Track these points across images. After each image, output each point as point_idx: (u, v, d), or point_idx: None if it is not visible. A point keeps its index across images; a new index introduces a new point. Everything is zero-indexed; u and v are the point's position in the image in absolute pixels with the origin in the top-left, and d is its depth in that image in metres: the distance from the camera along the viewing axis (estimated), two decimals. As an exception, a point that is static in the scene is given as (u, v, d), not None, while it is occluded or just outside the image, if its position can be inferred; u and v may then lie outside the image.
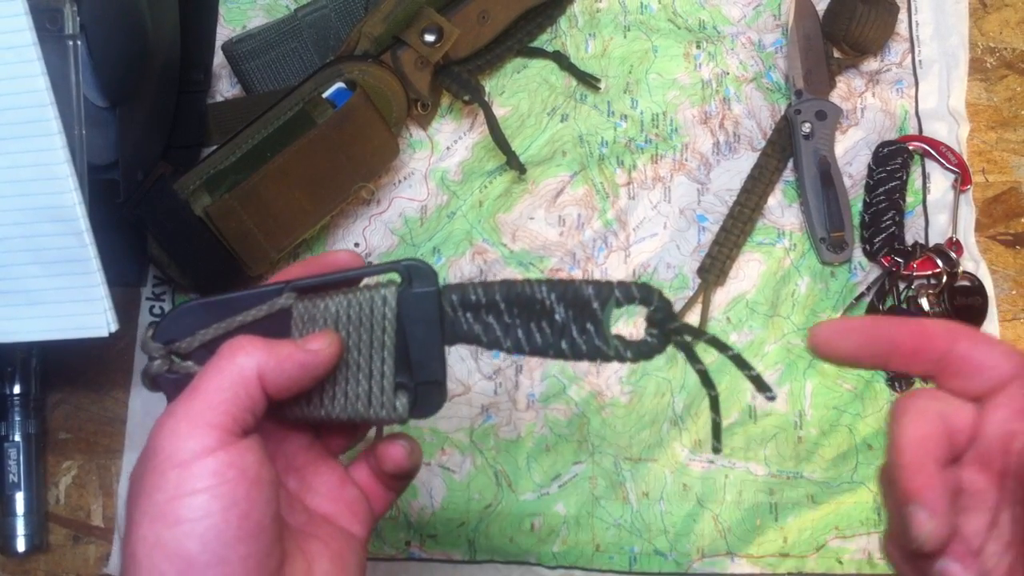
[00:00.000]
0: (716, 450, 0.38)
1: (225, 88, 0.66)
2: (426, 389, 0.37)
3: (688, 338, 0.36)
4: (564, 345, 0.36)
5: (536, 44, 0.66)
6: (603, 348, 0.35)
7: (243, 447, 0.33)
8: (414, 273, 0.37)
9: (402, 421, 0.37)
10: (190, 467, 0.32)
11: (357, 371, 0.37)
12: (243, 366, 0.34)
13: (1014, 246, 0.64)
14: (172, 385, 0.38)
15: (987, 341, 0.34)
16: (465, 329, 0.37)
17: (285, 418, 0.39)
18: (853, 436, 0.60)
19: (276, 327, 0.38)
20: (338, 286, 0.39)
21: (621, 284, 0.35)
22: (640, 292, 0.35)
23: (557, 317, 0.36)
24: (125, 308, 0.61)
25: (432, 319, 0.37)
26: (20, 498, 0.59)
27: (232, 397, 0.34)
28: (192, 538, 0.31)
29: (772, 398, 0.36)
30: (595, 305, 0.35)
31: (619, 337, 0.36)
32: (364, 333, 0.37)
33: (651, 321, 0.36)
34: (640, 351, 0.36)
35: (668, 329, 0.36)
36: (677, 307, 0.62)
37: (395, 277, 0.38)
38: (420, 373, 0.37)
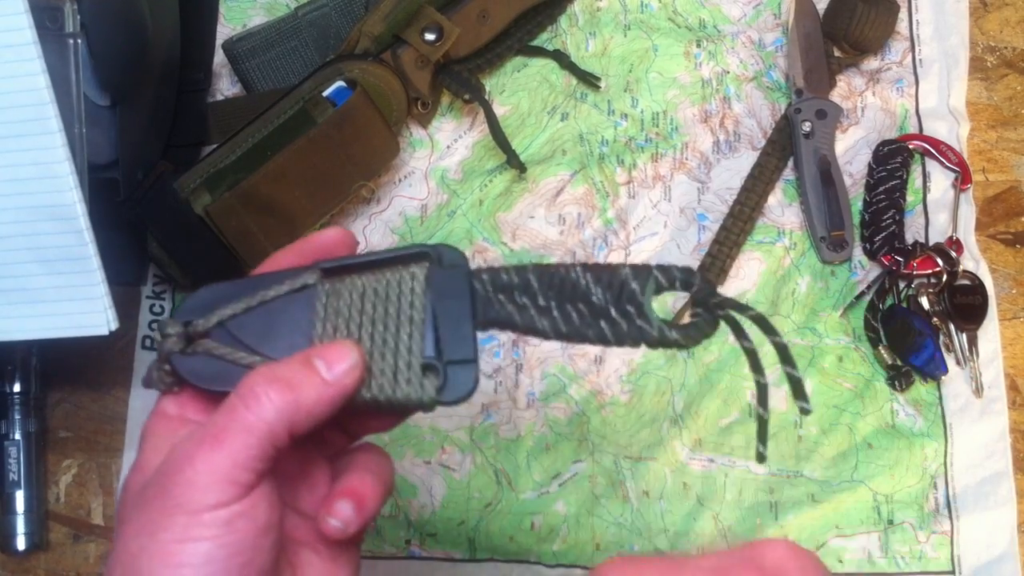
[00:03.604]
0: (761, 458, 0.35)
1: (225, 87, 0.66)
2: (456, 370, 0.34)
3: (734, 313, 0.34)
4: (605, 327, 0.34)
5: (536, 43, 0.66)
6: (647, 329, 0.34)
7: (257, 496, 0.32)
8: (443, 254, 0.35)
9: (430, 404, 0.34)
10: (200, 516, 0.31)
11: (383, 346, 0.35)
12: (269, 420, 0.32)
13: (1014, 245, 0.64)
14: (190, 368, 0.35)
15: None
16: (497, 310, 0.35)
17: None
18: (853, 435, 0.60)
19: (300, 306, 0.36)
20: (364, 268, 0.37)
21: (660, 266, 0.34)
22: (681, 274, 0.34)
23: (595, 299, 0.34)
24: (125, 307, 0.61)
25: (463, 298, 0.35)
26: (20, 496, 0.59)
27: (258, 453, 0.32)
28: None
29: (807, 411, 0.34)
30: (634, 286, 0.34)
31: (664, 320, 0.34)
32: (391, 308, 0.35)
33: (695, 302, 0.34)
34: (689, 334, 0.34)
35: (713, 305, 0.34)
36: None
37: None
38: (450, 352, 0.34)
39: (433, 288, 0.35)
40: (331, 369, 0.34)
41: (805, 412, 0.34)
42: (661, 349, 0.35)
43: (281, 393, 0.32)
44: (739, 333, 0.35)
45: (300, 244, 0.38)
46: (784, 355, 0.34)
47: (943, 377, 0.60)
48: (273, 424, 0.32)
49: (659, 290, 0.34)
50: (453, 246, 0.36)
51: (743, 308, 0.34)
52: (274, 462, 0.33)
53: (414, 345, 0.34)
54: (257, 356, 0.35)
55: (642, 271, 0.34)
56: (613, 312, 0.34)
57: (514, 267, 0.35)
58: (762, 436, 0.36)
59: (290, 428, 0.33)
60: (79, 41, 0.50)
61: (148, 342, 0.62)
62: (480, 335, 0.37)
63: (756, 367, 0.35)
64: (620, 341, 0.34)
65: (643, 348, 0.34)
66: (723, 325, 0.35)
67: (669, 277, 0.34)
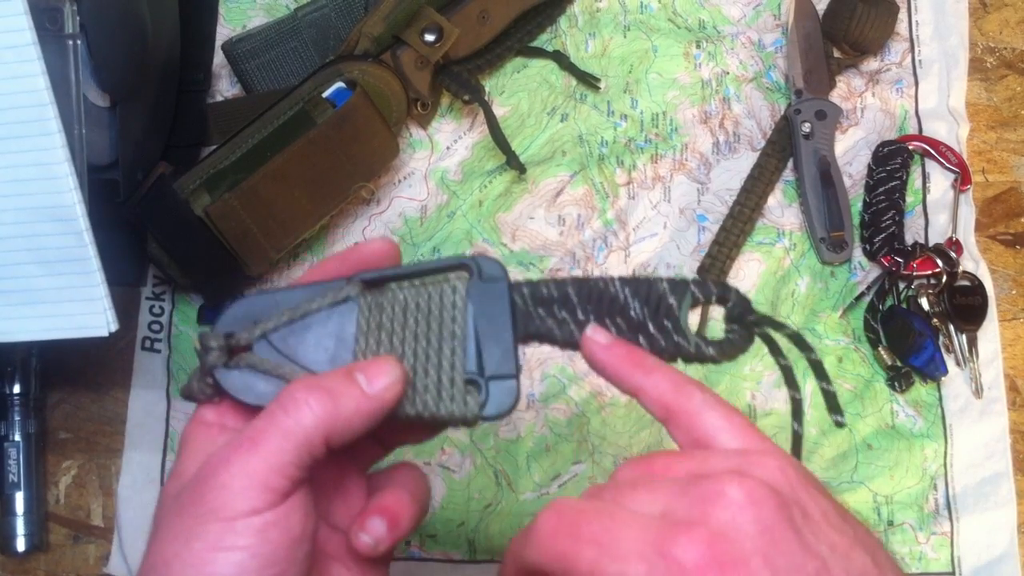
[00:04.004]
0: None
1: (225, 88, 0.66)
2: (498, 385, 0.34)
3: (769, 330, 0.34)
4: (642, 341, 0.34)
5: (536, 44, 0.66)
6: (683, 344, 0.34)
7: (291, 505, 0.32)
8: (483, 266, 0.35)
9: (473, 419, 0.34)
10: (234, 524, 0.31)
11: (426, 361, 0.35)
12: (307, 427, 0.32)
13: (1014, 246, 0.64)
14: (233, 381, 0.35)
15: (717, 412, 0.32)
16: (538, 324, 0.35)
17: None
18: (853, 436, 0.60)
19: (342, 318, 0.36)
20: (400, 272, 0.37)
21: (696, 281, 0.34)
22: (718, 289, 0.34)
23: (632, 313, 0.34)
24: (125, 308, 0.61)
25: (503, 311, 0.35)
26: (20, 498, 0.59)
27: (294, 459, 0.32)
28: None
29: (842, 424, 0.35)
30: (671, 300, 0.34)
31: (700, 335, 0.34)
32: (434, 323, 0.35)
33: (731, 317, 0.35)
34: (724, 349, 0.34)
35: (749, 323, 0.34)
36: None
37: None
38: (491, 366, 0.34)
39: (473, 301, 0.35)
40: (372, 383, 0.33)
41: (840, 425, 0.35)
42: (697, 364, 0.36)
43: (321, 401, 0.32)
44: (774, 350, 0.35)
45: (345, 253, 0.38)
46: (819, 372, 0.35)
47: (943, 378, 0.60)
48: (311, 431, 0.32)
49: (695, 304, 0.34)
50: (493, 259, 0.35)
51: (779, 325, 0.35)
52: (310, 471, 0.32)
53: (456, 360, 0.34)
54: (300, 368, 0.35)
55: (679, 285, 0.34)
56: (651, 326, 0.34)
57: (553, 280, 0.35)
58: (796, 451, 0.36)
59: (327, 437, 0.32)
60: (79, 42, 0.50)
61: (148, 343, 0.62)
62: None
63: (791, 383, 0.36)
64: (657, 355, 0.34)
65: (678, 362, 0.35)
66: (757, 341, 0.35)
67: (706, 292, 0.34)
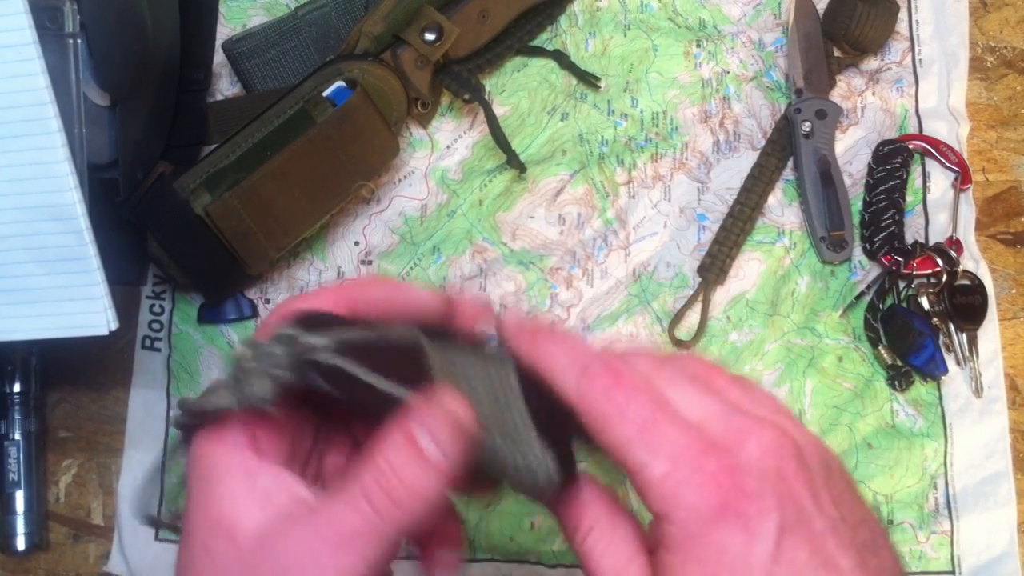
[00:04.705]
0: None
1: (225, 87, 0.66)
2: (562, 458, 0.32)
3: None
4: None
5: (536, 43, 0.66)
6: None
7: None
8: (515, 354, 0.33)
9: (554, 488, 0.31)
10: None
11: (503, 424, 0.32)
12: (408, 523, 0.29)
13: (1014, 245, 0.64)
14: (333, 379, 0.30)
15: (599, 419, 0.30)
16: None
17: None
18: (853, 435, 0.60)
19: (408, 359, 0.32)
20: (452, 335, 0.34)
21: None
22: None
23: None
24: (125, 307, 0.61)
25: (552, 401, 0.32)
26: (20, 496, 0.59)
27: (387, 554, 0.29)
28: None
29: None
30: None
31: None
32: (497, 389, 0.32)
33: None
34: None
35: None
36: (677, 306, 0.62)
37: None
38: (553, 442, 0.32)
39: (523, 384, 0.33)
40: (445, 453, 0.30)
41: None
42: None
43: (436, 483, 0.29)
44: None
45: (397, 291, 0.34)
46: None
47: (943, 377, 0.60)
48: (413, 522, 0.29)
49: None
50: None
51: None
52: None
53: (529, 431, 0.32)
54: (402, 388, 0.31)
55: None
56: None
57: None
58: None
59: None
60: (79, 41, 0.50)
61: (148, 342, 0.62)
62: None
63: None
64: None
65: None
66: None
67: None
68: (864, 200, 0.63)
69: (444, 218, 0.64)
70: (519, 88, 0.66)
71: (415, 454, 0.29)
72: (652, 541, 0.29)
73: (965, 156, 0.64)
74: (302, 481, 0.30)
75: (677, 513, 0.28)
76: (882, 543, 0.30)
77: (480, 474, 0.31)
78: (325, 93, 0.57)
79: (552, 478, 0.31)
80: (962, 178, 0.63)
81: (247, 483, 0.29)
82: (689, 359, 0.33)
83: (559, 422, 0.32)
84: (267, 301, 0.62)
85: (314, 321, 0.31)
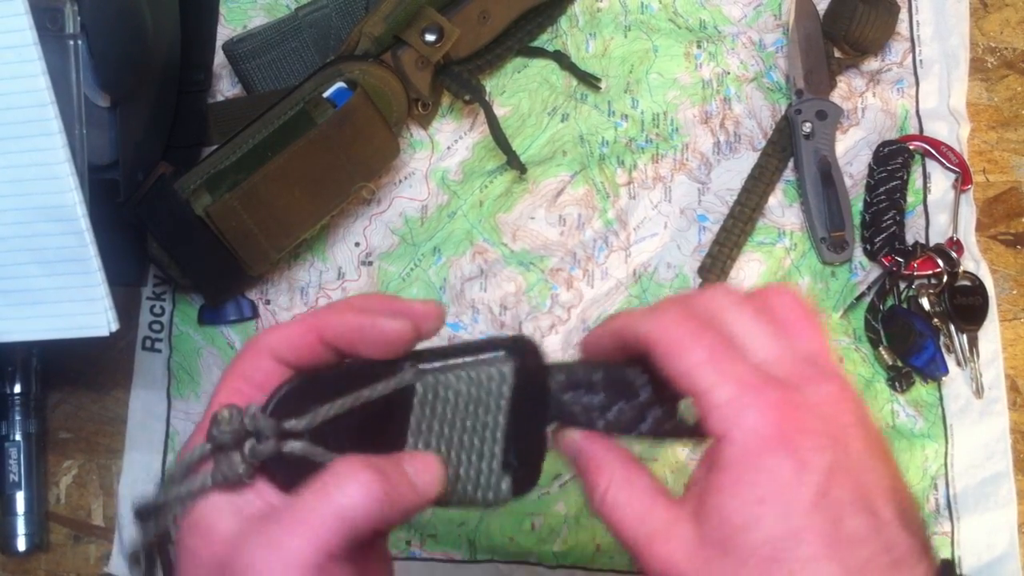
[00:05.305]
0: None
1: (226, 88, 0.66)
2: (526, 470, 0.35)
3: None
4: (647, 424, 0.35)
5: (537, 44, 0.66)
6: (682, 426, 0.35)
7: None
8: (524, 350, 0.35)
9: (503, 503, 0.35)
10: None
11: (470, 450, 0.34)
12: (360, 507, 0.29)
13: (1014, 246, 0.64)
14: (285, 472, 0.32)
15: (665, 355, 0.32)
16: (565, 410, 0.35)
17: None
18: (853, 436, 0.60)
19: (395, 406, 0.34)
20: (452, 354, 0.35)
21: None
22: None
23: (642, 396, 0.35)
24: (125, 308, 0.61)
25: (540, 398, 0.35)
26: (20, 497, 0.59)
27: (343, 542, 0.29)
28: None
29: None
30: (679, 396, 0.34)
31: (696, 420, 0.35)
32: (481, 411, 0.34)
33: None
34: None
35: None
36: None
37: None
38: (525, 454, 0.35)
39: (516, 390, 0.35)
40: (419, 477, 0.32)
41: None
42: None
43: (378, 482, 0.30)
44: None
45: (394, 304, 0.34)
46: None
47: (943, 378, 0.60)
48: (363, 512, 0.30)
49: None
50: (531, 340, 0.35)
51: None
52: (347, 562, 0.30)
53: (497, 449, 0.35)
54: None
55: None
56: (658, 409, 0.35)
57: (583, 365, 0.35)
58: None
59: (377, 522, 0.30)
60: (79, 42, 0.50)
61: (148, 343, 0.62)
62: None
63: None
64: (659, 436, 0.35)
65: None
66: None
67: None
68: (864, 201, 0.63)
69: (444, 219, 0.64)
70: (519, 89, 0.66)
71: (392, 463, 0.31)
72: (707, 463, 0.31)
73: (966, 157, 0.64)
74: (279, 491, 0.32)
75: (736, 434, 0.29)
76: (918, 513, 0.31)
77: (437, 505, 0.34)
78: (325, 94, 0.57)
79: (501, 498, 0.34)
80: (963, 179, 0.63)
81: (227, 495, 0.31)
82: (776, 295, 0.34)
83: (541, 414, 0.35)
84: (267, 302, 0.62)
85: (295, 392, 0.33)
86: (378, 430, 0.34)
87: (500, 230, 0.64)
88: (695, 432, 0.34)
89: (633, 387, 0.35)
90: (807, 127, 0.63)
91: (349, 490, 0.30)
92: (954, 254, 0.61)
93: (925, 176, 0.64)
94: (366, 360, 0.34)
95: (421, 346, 0.35)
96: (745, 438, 0.29)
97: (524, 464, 0.35)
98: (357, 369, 0.34)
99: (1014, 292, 0.63)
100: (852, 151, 0.65)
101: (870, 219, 0.62)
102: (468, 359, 0.35)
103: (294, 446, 0.32)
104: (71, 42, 0.49)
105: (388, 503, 0.30)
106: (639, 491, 0.32)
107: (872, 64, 0.66)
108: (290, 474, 0.32)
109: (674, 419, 0.35)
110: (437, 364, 0.35)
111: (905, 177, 0.63)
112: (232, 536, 0.30)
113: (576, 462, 0.34)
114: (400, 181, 0.64)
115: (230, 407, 0.31)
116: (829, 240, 0.62)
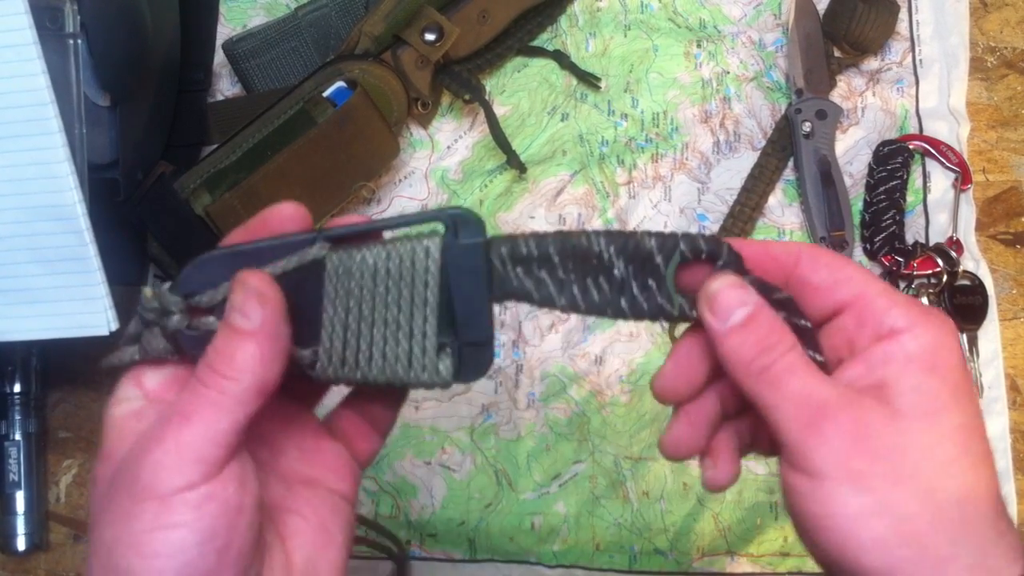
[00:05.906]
0: None
1: (225, 87, 0.66)
2: (471, 350, 0.34)
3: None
4: (624, 303, 0.33)
5: (536, 43, 0.66)
6: (666, 307, 0.33)
7: (227, 476, 0.31)
8: (460, 223, 0.33)
9: (446, 385, 0.34)
10: (169, 501, 0.30)
11: (396, 330, 0.33)
12: (240, 391, 0.31)
13: (1014, 245, 0.64)
14: (191, 343, 0.33)
15: (829, 262, 0.34)
16: (515, 285, 0.34)
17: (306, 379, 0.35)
18: (853, 435, 0.60)
19: (307, 282, 0.34)
20: (372, 236, 0.35)
21: (687, 236, 0.33)
22: (708, 245, 0.33)
23: (616, 272, 0.33)
24: (125, 307, 0.61)
25: (479, 273, 0.33)
26: (20, 497, 0.59)
27: (230, 426, 0.31)
28: (166, 572, 0.30)
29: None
30: (658, 260, 0.33)
31: (685, 296, 0.33)
32: (404, 288, 0.33)
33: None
34: None
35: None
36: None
37: (438, 227, 0.34)
38: (465, 333, 0.33)
39: (448, 265, 0.33)
40: (250, 317, 0.33)
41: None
42: (681, 325, 0.35)
43: (256, 360, 0.32)
44: None
45: (255, 225, 0.35)
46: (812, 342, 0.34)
47: (943, 377, 0.60)
48: (244, 393, 0.31)
49: (684, 261, 0.33)
50: (469, 210, 0.34)
51: (770, 289, 0.33)
52: (246, 432, 0.32)
53: (428, 328, 0.33)
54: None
55: (668, 241, 0.33)
56: (634, 287, 0.33)
57: (534, 236, 0.33)
58: None
59: (262, 392, 0.32)
60: (79, 41, 0.50)
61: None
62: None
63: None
64: (639, 316, 0.34)
65: (658, 326, 0.35)
66: None
67: (695, 248, 0.33)
68: (864, 200, 0.63)
69: (444, 218, 0.64)
70: (519, 88, 0.66)
71: (228, 331, 0.32)
72: (866, 360, 0.33)
73: (965, 156, 0.64)
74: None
75: (920, 330, 0.32)
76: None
77: (375, 386, 0.35)
78: (325, 93, 0.57)
79: (439, 379, 0.34)
80: (962, 178, 0.63)
81: (133, 429, 0.32)
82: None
83: (480, 292, 0.34)
84: (267, 301, 0.62)
85: (208, 265, 0.34)
86: (294, 307, 0.33)
87: (500, 229, 0.64)
88: (684, 316, 0.33)
89: (602, 261, 0.33)
90: (807, 126, 0.63)
91: (237, 376, 0.32)
92: (954, 254, 0.61)
93: (925, 176, 0.64)
94: (283, 236, 0.34)
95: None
96: (924, 334, 0.32)
97: (466, 344, 0.34)
98: (270, 247, 0.34)
99: (1014, 291, 0.63)
100: (852, 150, 0.65)
101: (870, 219, 0.62)
102: (392, 234, 0.35)
103: (204, 321, 0.33)
104: (71, 41, 0.49)
105: (278, 372, 0.32)
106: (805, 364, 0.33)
107: (872, 63, 0.66)
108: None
109: (656, 300, 0.33)
110: (349, 236, 0.35)
111: (905, 177, 0.63)
112: (130, 448, 0.32)
113: (737, 319, 0.33)
114: (400, 180, 0.64)
115: (154, 286, 0.33)
116: (829, 239, 0.62)
